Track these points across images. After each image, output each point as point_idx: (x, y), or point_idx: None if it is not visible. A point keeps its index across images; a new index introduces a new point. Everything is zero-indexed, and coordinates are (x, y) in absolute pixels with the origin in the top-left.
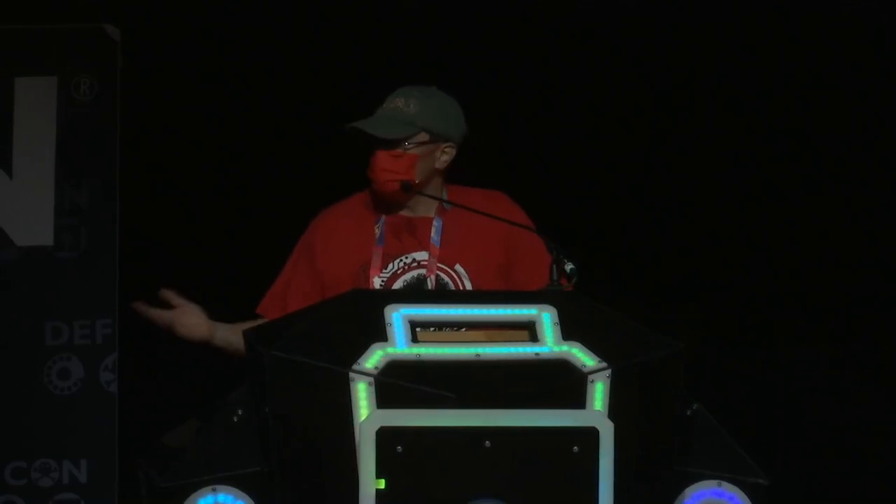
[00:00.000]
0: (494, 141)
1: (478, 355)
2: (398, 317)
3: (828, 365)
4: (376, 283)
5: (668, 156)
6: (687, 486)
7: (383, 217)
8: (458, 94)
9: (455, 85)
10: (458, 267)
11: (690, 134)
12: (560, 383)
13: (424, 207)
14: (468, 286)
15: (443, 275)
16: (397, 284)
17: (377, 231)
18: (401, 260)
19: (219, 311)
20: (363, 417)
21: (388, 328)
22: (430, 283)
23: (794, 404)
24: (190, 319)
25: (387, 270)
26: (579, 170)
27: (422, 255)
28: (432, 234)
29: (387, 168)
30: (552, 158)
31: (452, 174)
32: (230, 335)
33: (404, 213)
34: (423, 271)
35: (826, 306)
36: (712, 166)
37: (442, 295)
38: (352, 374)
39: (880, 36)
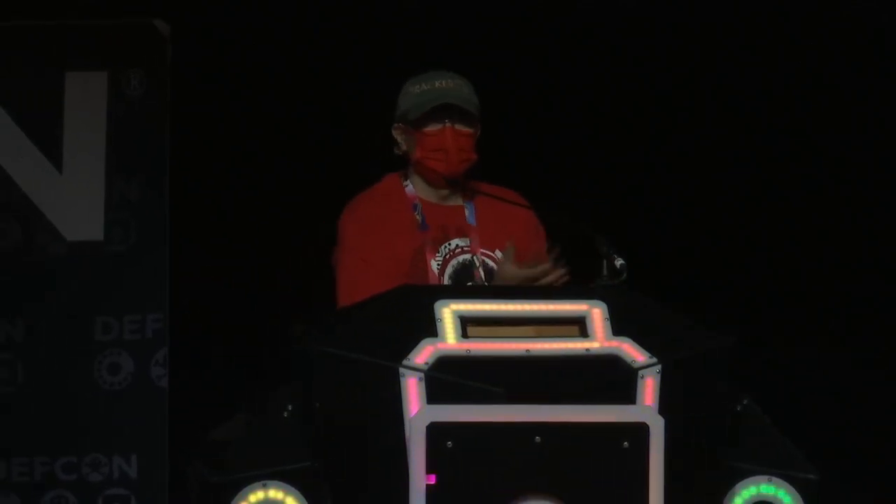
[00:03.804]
0: (507, 141)
1: (528, 350)
2: (448, 312)
3: (829, 364)
4: (433, 266)
5: (671, 156)
6: (737, 481)
7: (419, 203)
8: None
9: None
10: (497, 252)
11: (693, 135)
12: (610, 379)
13: (454, 195)
14: None
15: (487, 259)
16: (448, 269)
17: (418, 217)
18: (446, 246)
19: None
20: (413, 413)
21: (438, 323)
22: (477, 263)
23: (794, 404)
24: None
25: (439, 255)
26: (580, 170)
27: (463, 242)
28: (467, 217)
29: (462, 147)
30: (560, 156)
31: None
32: None
33: (436, 201)
34: (467, 256)
35: (828, 306)
36: (711, 167)
37: (492, 290)
38: (402, 370)
39: (880, 36)
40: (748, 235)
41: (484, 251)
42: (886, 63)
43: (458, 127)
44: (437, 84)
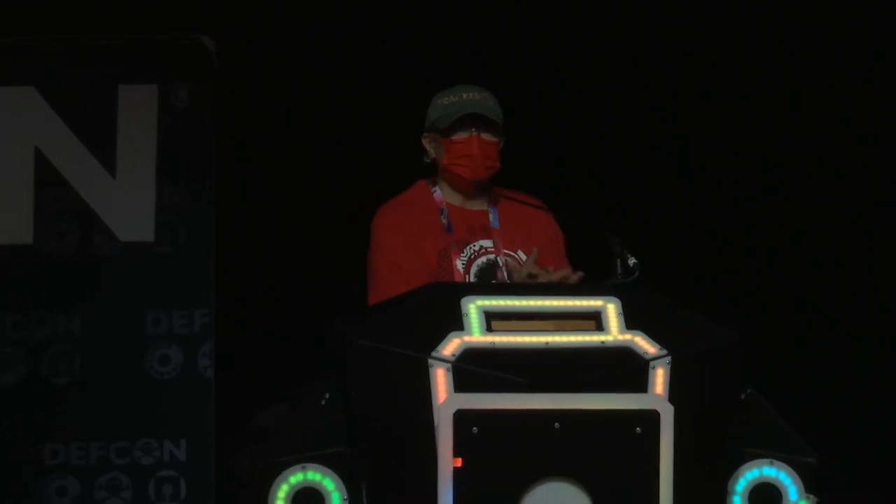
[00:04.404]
0: (525, 145)
1: (547, 343)
2: (474, 307)
3: (833, 357)
4: (458, 265)
5: (681, 157)
6: (741, 464)
7: (445, 207)
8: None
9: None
10: (520, 253)
11: (703, 134)
12: (624, 369)
13: (479, 201)
14: None
15: (510, 260)
16: (473, 269)
17: (444, 220)
18: (471, 247)
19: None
20: (441, 401)
21: (464, 318)
22: (501, 263)
23: (797, 394)
24: None
25: (464, 255)
26: (595, 172)
27: (486, 243)
28: (491, 221)
29: (485, 154)
30: (576, 160)
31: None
32: None
33: (461, 205)
34: (492, 256)
35: (832, 300)
36: (719, 166)
37: (514, 287)
38: (431, 361)
39: (883, 37)
40: (756, 234)
41: (507, 252)
42: (887, 64)
43: (484, 136)
44: (464, 96)
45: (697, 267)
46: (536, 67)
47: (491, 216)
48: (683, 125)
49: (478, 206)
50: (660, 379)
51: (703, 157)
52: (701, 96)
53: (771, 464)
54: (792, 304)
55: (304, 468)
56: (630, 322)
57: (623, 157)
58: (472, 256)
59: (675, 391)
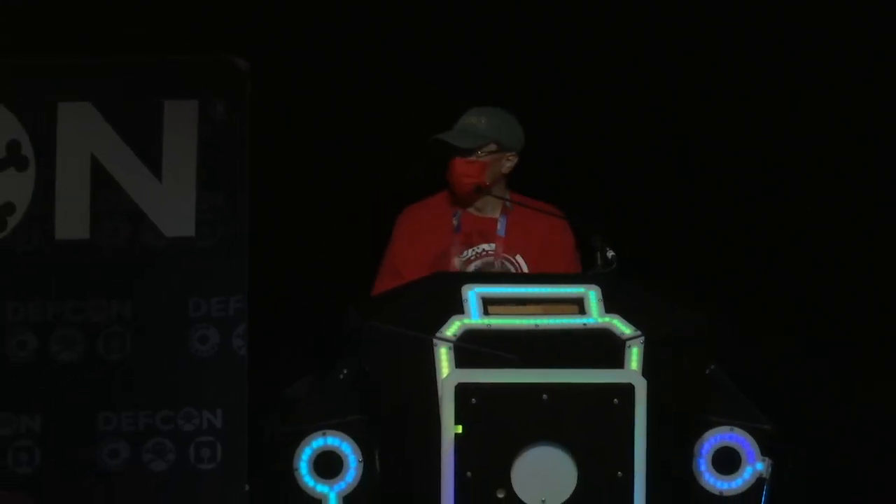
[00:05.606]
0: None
1: (537, 325)
2: (473, 294)
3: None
4: (456, 263)
5: (682, 156)
6: (706, 431)
7: (459, 211)
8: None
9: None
10: (518, 257)
11: (684, 134)
12: (603, 348)
13: (491, 208)
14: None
15: (507, 263)
16: (471, 268)
17: (454, 221)
18: (473, 249)
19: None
20: (444, 376)
21: (464, 303)
22: (497, 266)
23: (795, 404)
24: None
25: (463, 256)
26: (580, 172)
27: (489, 247)
28: (498, 228)
29: (463, 172)
30: (563, 161)
31: (515, 180)
32: None
33: (474, 212)
34: (490, 259)
35: (819, 303)
36: (724, 165)
37: (508, 276)
38: (435, 341)
39: (881, 38)
40: (756, 234)
41: (505, 256)
42: (887, 64)
43: (461, 156)
44: (460, 121)
45: (697, 267)
46: (537, 67)
47: (499, 224)
48: (683, 125)
49: (489, 213)
50: (635, 356)
51: (703, 157)
52: (701, 96)
53: (732, 430)
54: (792, 304)
55: (324, 434)
56: (609, 307)
57: (623, 157)
58: (472, 258)
59: (648, 367)
